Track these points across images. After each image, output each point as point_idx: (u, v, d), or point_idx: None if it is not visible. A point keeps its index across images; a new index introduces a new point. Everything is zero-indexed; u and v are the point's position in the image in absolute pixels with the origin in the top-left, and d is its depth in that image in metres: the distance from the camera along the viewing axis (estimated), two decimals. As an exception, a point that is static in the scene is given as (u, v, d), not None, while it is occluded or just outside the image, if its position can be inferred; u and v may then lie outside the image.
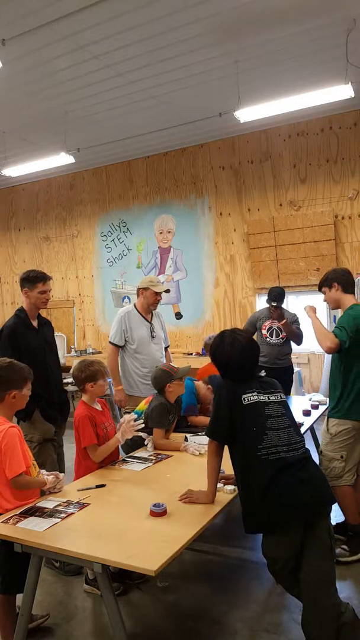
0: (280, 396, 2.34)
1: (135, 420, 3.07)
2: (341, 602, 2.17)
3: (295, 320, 5.20)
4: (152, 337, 4.11)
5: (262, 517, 2.11)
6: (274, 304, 4.94)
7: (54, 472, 2.65)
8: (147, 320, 4.14)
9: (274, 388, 2.36)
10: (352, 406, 3.14)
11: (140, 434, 3.27)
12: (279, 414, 2.26)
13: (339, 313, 3.54)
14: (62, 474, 2.70)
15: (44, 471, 2.67)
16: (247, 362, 2.37)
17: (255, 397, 2.25)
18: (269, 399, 2.29)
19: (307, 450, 2.26)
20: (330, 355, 3.30)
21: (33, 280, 3.40)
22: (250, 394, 2.25)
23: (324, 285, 3.37)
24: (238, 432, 2.21)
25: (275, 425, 2.21)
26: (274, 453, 2.13)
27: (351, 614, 2.18)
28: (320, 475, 2.26)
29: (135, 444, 3.39)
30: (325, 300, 3.42)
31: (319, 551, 2.16)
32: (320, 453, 3.26)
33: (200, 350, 6.99)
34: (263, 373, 4.66)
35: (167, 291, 4.29)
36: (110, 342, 4.14)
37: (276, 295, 4.96)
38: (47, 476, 2.58)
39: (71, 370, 3.22)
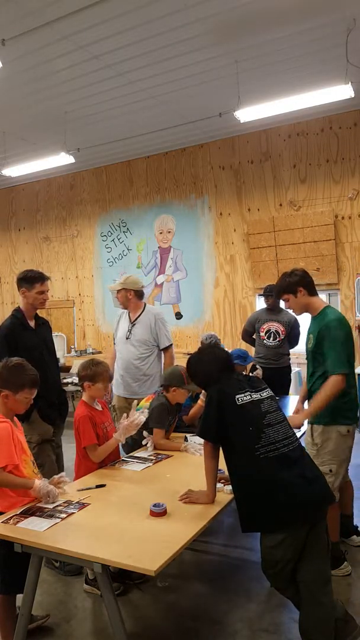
0: (269, 391, 2.38)
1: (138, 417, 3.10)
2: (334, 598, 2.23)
3: (295, 322, 5.21)
4: (127, 337, 4.09)
5: (270, 517, 2.10)
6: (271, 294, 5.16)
7: (52, 487, 2.46)
8: (130, 320, 4.15)
9: (262, 385, 2.40)
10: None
11: (144, 432, 3.29)
12: (273, 408, 2.29)
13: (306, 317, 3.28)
14: (59, 488, 2.56)
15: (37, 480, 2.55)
16: (214, 368, 2.43)
17: (249, 397, 2.27)
18: (261, 395, 2.32)
19: (301, 444, 2.30)
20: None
21: (31, 280, 3.39)
22: (243, 394, 2.27)
23: (285, 292, 3.08)
24: (232, 432, 2.21)
25: (273, 421, 2.23)
26: (273, 450, 2.14)
27: (342, 609, 2.26)
28: (320, 472, 2.30)
29: (135, 443, 3.39)
30: (288, 307, 3.17)
31: (319, 550, 2.18)
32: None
33: (200, 350, 6.98)
34: (260, 372, 4.68)
35: (112, 289, 4.27)
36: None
37: (272, 289, 5.14)
38: (42, 483, 2.45)
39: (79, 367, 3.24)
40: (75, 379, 6.40)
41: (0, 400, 2.51)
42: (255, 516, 2.14)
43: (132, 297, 4.10)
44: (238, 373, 2.48)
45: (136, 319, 4.11)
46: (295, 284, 3.05)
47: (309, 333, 3.12)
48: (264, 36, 4.69)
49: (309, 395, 3.11)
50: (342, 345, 2.86)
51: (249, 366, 5.37)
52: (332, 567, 2.86)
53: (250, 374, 4.80)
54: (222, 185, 7.46)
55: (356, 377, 3.24)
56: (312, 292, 3.08)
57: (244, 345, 6.20)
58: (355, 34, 4.62)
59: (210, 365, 2.44)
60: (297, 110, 5.61)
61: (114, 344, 4.29)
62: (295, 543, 2.10)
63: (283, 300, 3.16)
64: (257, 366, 5.05)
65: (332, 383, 2.83)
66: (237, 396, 2.25)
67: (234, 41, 4.76)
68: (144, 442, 3.32)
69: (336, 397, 2.85)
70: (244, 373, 4.50)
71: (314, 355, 3.00)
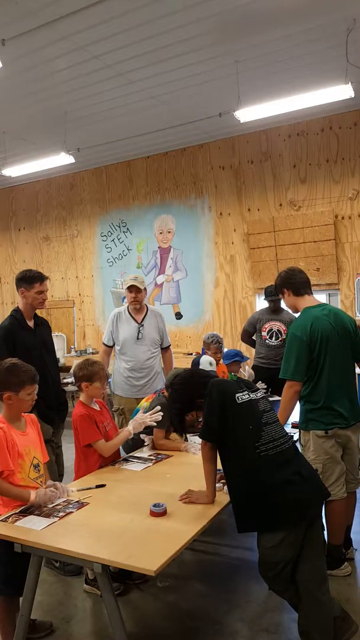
0: (263, 392, 2.43)
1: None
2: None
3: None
4: (138, 338, 4.11)
5: (269, 516, 2.10)
6: (272, 297, 5.12)
7: (49, 493, 2.46)
8: (136, 321, 4.14)
9: (255, 386, 2.46)
10: None
11: (142, 435, 3.29)
12: (269, 408, 2.33)
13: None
14: (60, 488, 2.56)
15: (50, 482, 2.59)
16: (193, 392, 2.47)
17: (247, 396, 2.30)
18: (257, 395, 2.35)
19: (295, 443, 2.34)
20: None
21: (30, 280, 3.39)
22: (241, 393, 2.30)
23: (278, 292, 3.26)
24: (232, 431, 2.22)
25: (270, 420, 2.27)
26: (272, 448, 2.16)
27: (339, 607, 2.28)
28: (314, 470, 2.33)
29: (135, 443, 3.39)
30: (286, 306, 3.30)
31: (316, 549, 2.19)
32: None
33: (200, 350, 6.98)
34: (252, 373, 4.68)
35: (131, 288, 4.13)
36: (103, 343, 4.37)
37: (272, 290, 5.08)
38: (38, 495, 2.42)
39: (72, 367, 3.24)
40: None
41: (5, 404, 2.50)
42: (254, 515, 2.14)
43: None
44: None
45: (143, 319, 4.14)
46: (279, 286, 3.17)
47: None
48: (264, 36, 4.69)
49: None
50: (293, 354, 2.92)
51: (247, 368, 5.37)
52: (332, 568, 2.88)
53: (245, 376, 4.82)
54: (222, 185, 7.46)
55: (356, 377, 3.25)
56: (298, 292, 3.11)
57: (244, 346, 6.20)
58: (355, 34, 4.62)
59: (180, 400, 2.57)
60: (297, 110, 5.61)
61: (109, 345, 4.28)
62: (295, 542, 2.11)
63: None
64: (248, 367, 5.07)
65: (284, 387, 2.97)
66: (237, 395, 2.27)
67: (234, 41, 4.76)
68: (146, 443, 3.32)
69: (294, 401, 2.96)
70: (241, 372, 4.53)
71: None
